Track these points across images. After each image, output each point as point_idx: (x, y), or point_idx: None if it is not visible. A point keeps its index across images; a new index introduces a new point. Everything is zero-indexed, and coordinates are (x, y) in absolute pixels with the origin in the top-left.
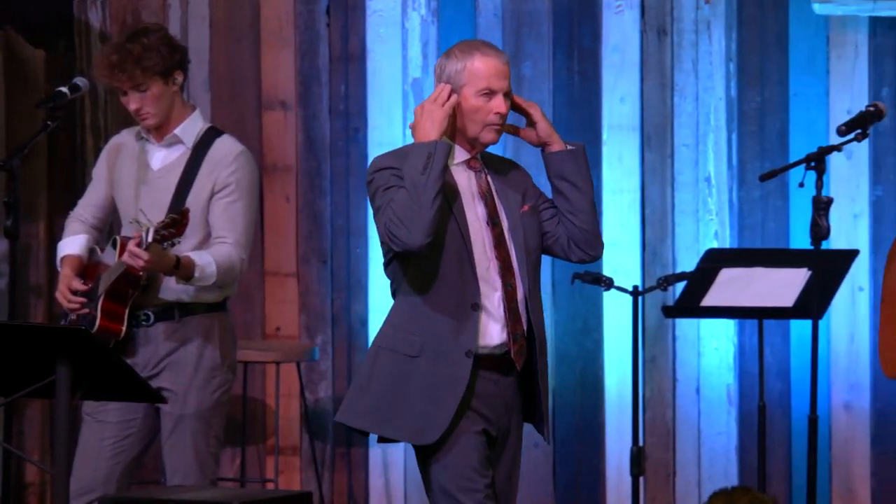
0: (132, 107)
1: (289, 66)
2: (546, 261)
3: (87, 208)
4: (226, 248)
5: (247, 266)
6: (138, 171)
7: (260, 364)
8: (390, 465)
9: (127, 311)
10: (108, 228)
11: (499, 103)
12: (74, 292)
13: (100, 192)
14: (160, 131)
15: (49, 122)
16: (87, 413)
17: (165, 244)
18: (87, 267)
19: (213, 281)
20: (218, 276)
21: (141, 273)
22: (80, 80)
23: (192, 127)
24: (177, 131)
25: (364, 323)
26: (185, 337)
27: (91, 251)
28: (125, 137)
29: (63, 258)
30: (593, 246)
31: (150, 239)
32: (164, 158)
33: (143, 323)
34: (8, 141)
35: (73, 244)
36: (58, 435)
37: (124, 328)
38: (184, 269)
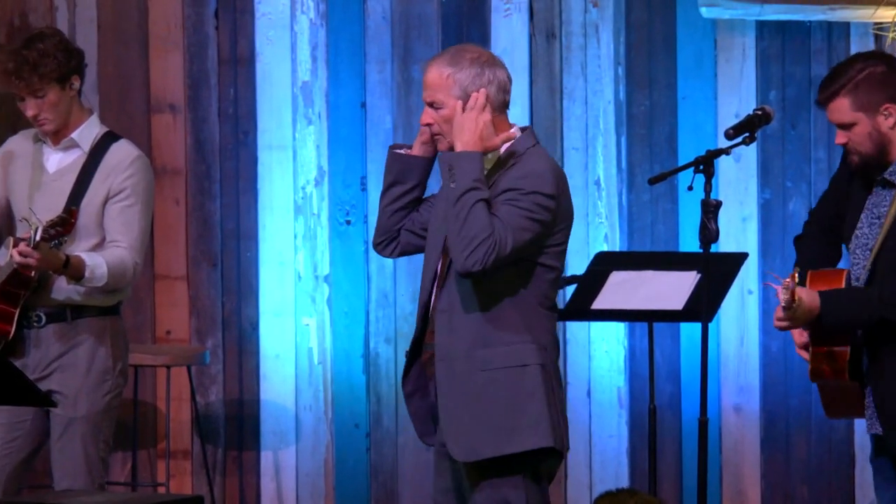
0: (30, 113)
1: (177, 68)
2: None
3: None
4: (119, 252)
5: (141, 270)
6: (33, 173)
7: (150, 367)
8: (282, 468)
9: (17, 312)
10: (2, 232)
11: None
12: None
13: None
14: (57, 135)
15: None
16: None
17: (54, 243)
18: None
19: (104, 283)
20: (110, 278)
21: (32, 273)
22: None
23: (88, 131)
24: (73, 135)
25: (255, 326)
26: (77, 339)
27: None
28: (20, 141)
29: None
30: (454, 258)
31: (38, 237)
32: (60, 161)
33: (35, 324)
34: None
35: None
36: None
37: (13, 329)
38: (73, 269)
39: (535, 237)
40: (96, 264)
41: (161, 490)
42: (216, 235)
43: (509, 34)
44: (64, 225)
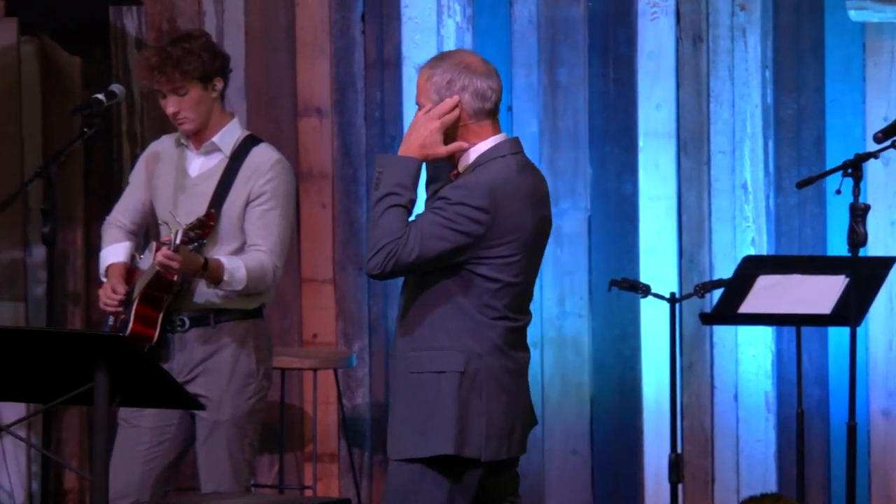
0: (170, 110)
1: (324, 73)
2: (583, 266)
3: (124, 213)
4: (259, 256)
5: (281, 274)
6: (177, 177)
7: (297, 371)
8: None
9: (161, 316)
10: (144, 233)
11: None
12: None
13: (138, 197)
14: (198, 138)
15: (85, 129)
16: (122, 418)
17: (194, 245)
18: (130, 273)
19: (243, 286)
20: (248, 281)
21: (174, 277)
22: (116, 87)
23: (230, 135)
24: (215, 139)
25: None
26: (220, 343)
27: (132, 258)
28: (165, 143)
29: (108, 267)
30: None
31: (178, 240)
32: (202, 166)
33: (179, 328)
34: (45, 148)
35: (115, 252)
36: (96, 441)
37: (157, 333)
38: (212, 272)
39: (456, 248)
40: (235, 268)
41: (308, 493)
42: (362, 239)
43: (656, 37)
44: (203, 227)
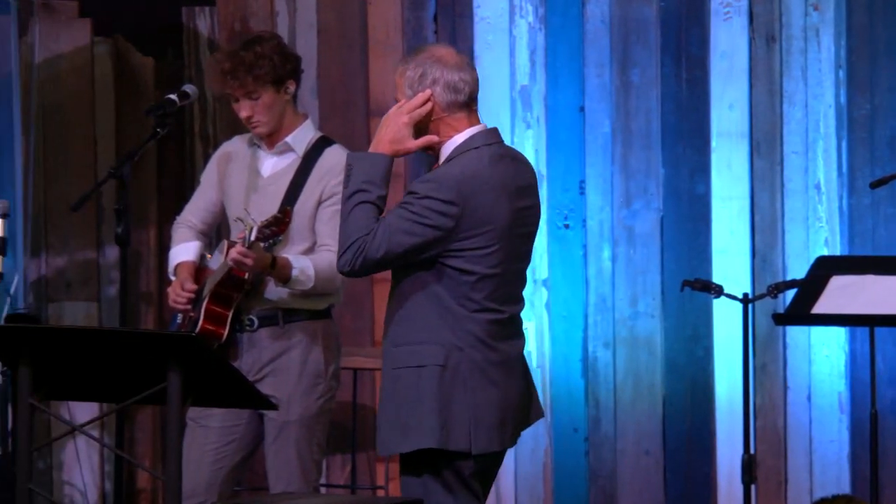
0: (243, 114)
1: None
2: (656, 267)
3: (195, 213)
4: (329, 256)
5: None
6: (249, 177)
7: (369, 371)
8: (501, 471)
9: (230, 315)
10: (214, 233)
11: None
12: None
13: (209, 197)
14: (271, 139)
15: (158, 130)
16: (190, 418)
17: (268, 242)
18: (199, 272)
19: (311, 286)
20: (317, 281)
21: (245, 275)
22: (189, 88)
23: (303, 135)
24: (288, 139)
25: None
26: (290, 343)
27: (201, 257)
28: (237, 144)
29: (177, 266)
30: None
31: (252, 237)
32: (275, 166)
33: (248, 328)
34: (118, 148)
35: (185, 251)
36: (169, 441)
37: (226, 332)
38: (280, 270)
39: (426, 242)
40: (304, 267)
41: (380, 493)
42: None
43: (729, 37)
44: (278, 224)
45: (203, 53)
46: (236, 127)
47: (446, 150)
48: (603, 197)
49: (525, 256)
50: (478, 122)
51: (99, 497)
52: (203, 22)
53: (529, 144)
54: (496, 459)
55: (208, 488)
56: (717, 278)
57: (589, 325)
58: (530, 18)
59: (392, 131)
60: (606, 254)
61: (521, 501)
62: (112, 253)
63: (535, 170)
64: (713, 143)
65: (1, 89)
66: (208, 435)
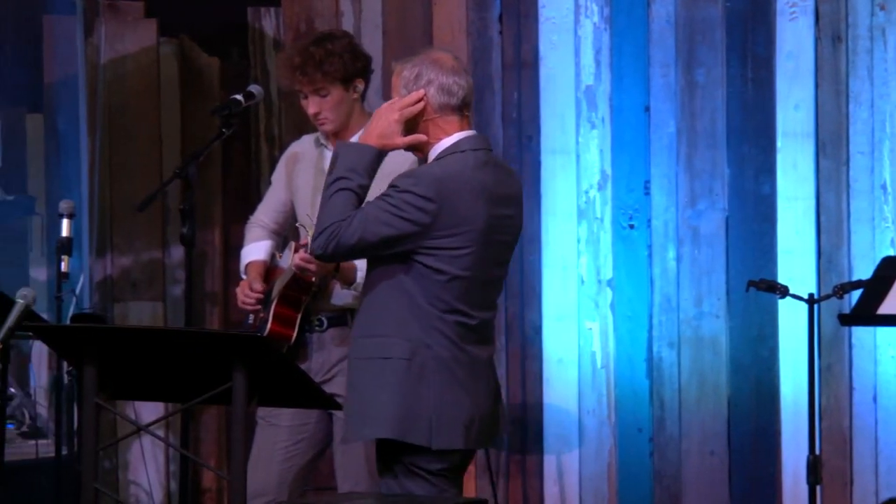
0: (311, 110)
1: None
2: (721, 267)
3: (267, 213)
4: None
5: None
6: (315, 177)
7: None
8: (565, 472)
9: (299, 317)
10: (286, 233)
11: None
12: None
13: (279, 197)
14: (338, 137)
15: (224, 130)
16: (260, 417)
17: None
18: (269, 271)
19: None
20: None
21: (312, 278)
22: (254, 88)
23: None
24: (353, 139)
25: (538, 330)
26: None
27: (272, 257)
28: (304, 144)
29: (248, 264)
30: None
31: None
32: None
33: (317, 328)
34: (183, 148)
35: (256, 250)
36: (234, 441)
37: (295, 333)
38: (344, 273)
39: (401, 234)
40: None
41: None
42: None
43: (795, 37)
44: None
45: (268, 54)
46: (302, 127)
47: (434, 151)
48: (668, 197)
49: (501, 264)
50: (469, 127)
51: (164, 497)
52: (268, 22)
53: (594, 144)
54: (465, 459)
55: (278, 487)
56: (782, 279)
57: (654, 326)
58: (595, 18)
59: (382, 125)
60: (671, 254)
61: (586, 502)
62: (177, 253)
63: (600, 169)
64: (779, 144)
65: (67, 90)
66: (278, 434)
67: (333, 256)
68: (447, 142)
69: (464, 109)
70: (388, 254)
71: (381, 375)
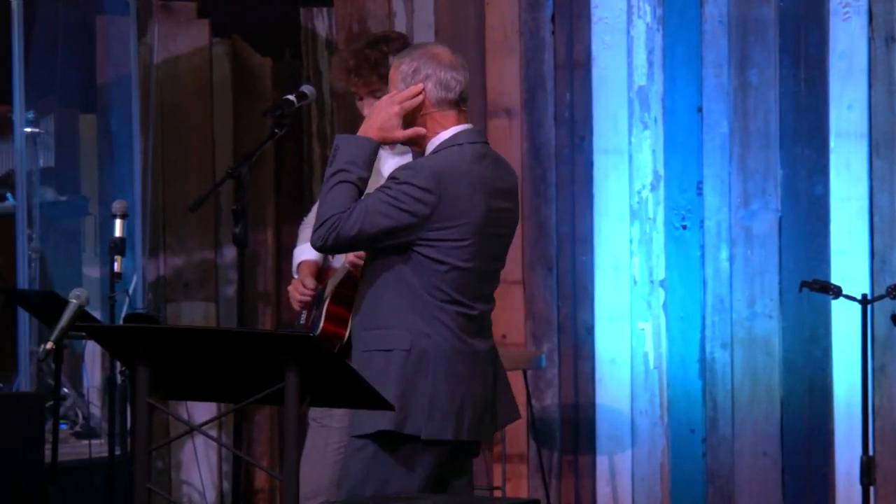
0: (366, 112)
1: (514, 73)
2: (773, 267)
3: None
4: None
5: None
6: (371, 178)
7: None
8: (617, 472)
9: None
10: None
11: None
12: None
13: None
14: None
15: (276, 130)
16: (312, 418)
17: None
18: (321, 272)
19: None
20: None
21: None
22: (306, 88)
23: None
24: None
25: (590, 330)
26: None
27: (324, 257)
28: None
29: (300, 264)
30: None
31: None
32: (395, 166)
33: None
34: (236, 148)
35: (309, 250)
36: (287, 441)
37: (348, 333)
38: None
39: (400, 226)
40: None
41: (497, 493)
42: (552, 240)
43: (848, 37)
44: None
45: (321, 54)
46: (354, 127)
47: (432, 144)
48: (721, 197)
49: (499, 257)
50: (466, 121)
51: (217, 496)
52: (321, 22)
53: (647, 145)
54: (458, 450)
55: (330, 488)
56: (835, 279)
57: (706, 326)
58: (648, 19)
59: (382, 118)
60: (724, 254)
61: (639, 502)
62: (230, 253)
63: (653, 170)
64: (832, 144)
65: (120, 90)
66: (330, 434)
67: (334, 248)
68: (444, 135)
69: (461, 104)
70: (388, 245)
71: (386, 368)
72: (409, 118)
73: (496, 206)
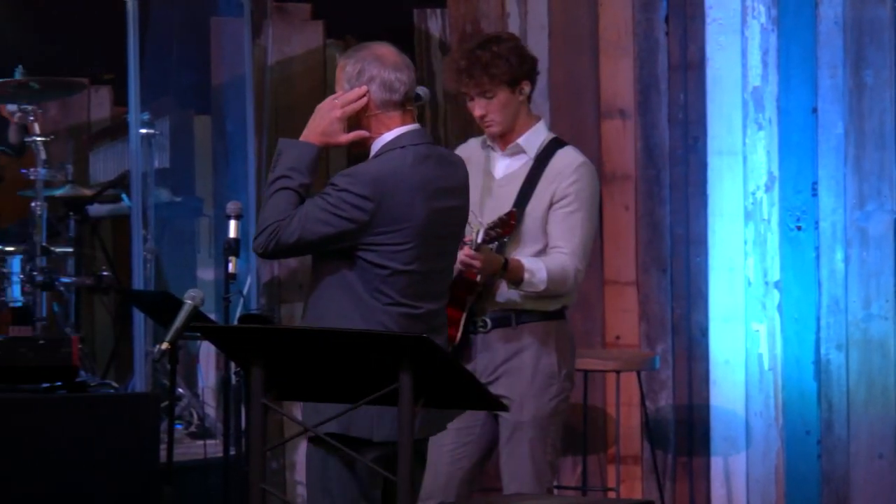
0: (477, 113)
1: (627, 74)
2: (889, 268)
3: None
4: (561, 258)
5: (583, 276)
6: (483, 179)
7: (600, 373)
8: (732, 474)
9: (464, 317)
10: None
11: None
12: None
13: None
14: (504, 140)
15: None
16: None
17: (494, 244)
18: None
19: (543, 288)
20: (549, 283)
21: (476, 277)
22: (420, 90)
23: (535, 137)
24: (520, 141)
25: (704, 332)
26: (522, 344)
27: None
28: (472, 147)
29: None
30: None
31: (479, 239)
32: (507, 167)
33: (481, 329)
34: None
35: None
36: (401, 442)
37: (459, 334)
38: (512, 272)
39: (339, 233)
40: (536, 269)
41: (611, 495)
42: (666, 241)
43: None
44: (503, 226)
45: (434, 55)
46: (467, 129)
47: (375, 146)
48: (836, 198)
49: (447, 255)
50: (412, 121)
51: None
52: (434, 23)
53: (761, 146)
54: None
55: (445, 489)
56: None
57: (821, 328)
58: (763, 19)
59: (324, 123)
60: (839, 255)
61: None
62: None
63: (767, 171)
64: None
65: (235, 92)
66: (445, 436)
67: (274, 254)
68: (387, 137)
69: (406, 104)
70: (331, 250)
71: None
72: (354, 120)
73: (440, 207)
